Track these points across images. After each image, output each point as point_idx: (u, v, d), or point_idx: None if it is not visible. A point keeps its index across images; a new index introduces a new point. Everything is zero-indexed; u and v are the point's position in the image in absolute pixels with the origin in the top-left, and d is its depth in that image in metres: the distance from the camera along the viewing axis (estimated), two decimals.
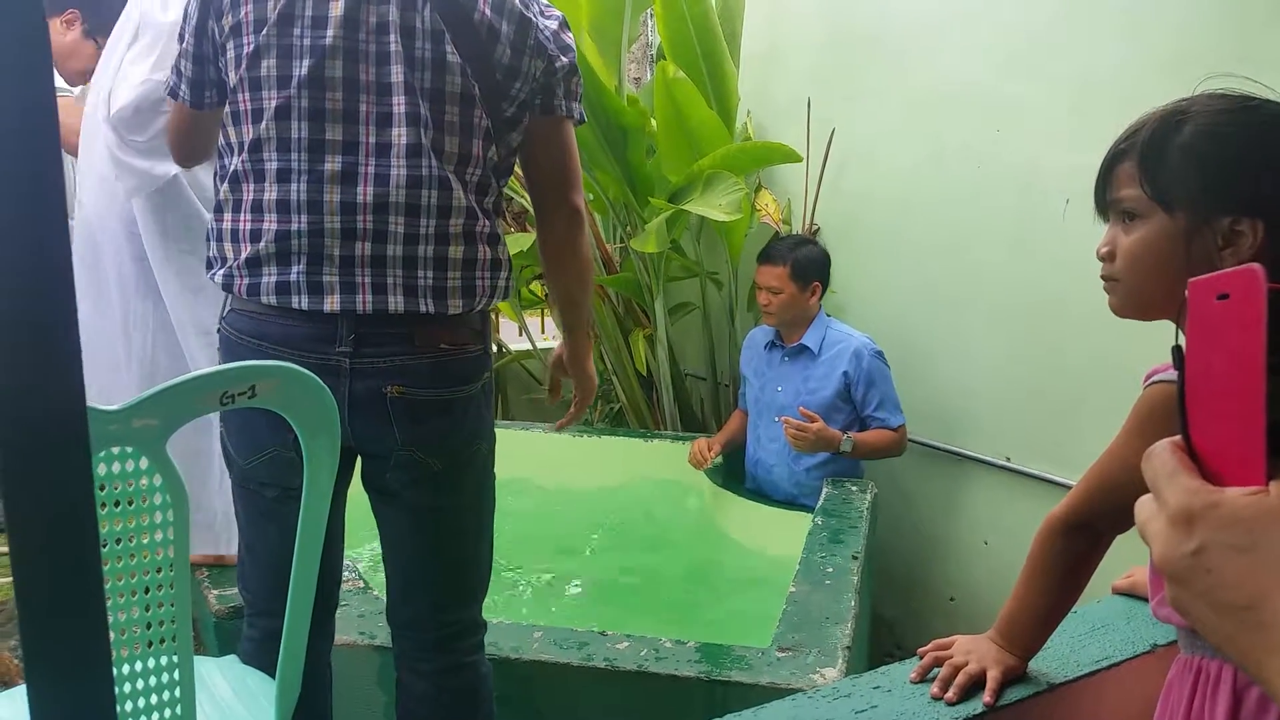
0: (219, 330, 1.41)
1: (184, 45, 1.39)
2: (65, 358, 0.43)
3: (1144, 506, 0.45)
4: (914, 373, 2.75)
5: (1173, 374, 0.86)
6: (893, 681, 1.13)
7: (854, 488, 2.55)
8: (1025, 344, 2.49)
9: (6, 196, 0.42)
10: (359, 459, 1.42)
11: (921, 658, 1.15)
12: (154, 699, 1.02)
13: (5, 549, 1.12)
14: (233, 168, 1.35)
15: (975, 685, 1.09)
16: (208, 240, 1.40)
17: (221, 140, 1.38)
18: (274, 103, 1.30)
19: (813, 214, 3.07)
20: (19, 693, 1.18)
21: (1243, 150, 0.83)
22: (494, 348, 3.94)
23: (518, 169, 1.54)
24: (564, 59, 1.40)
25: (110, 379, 1.95)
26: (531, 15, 1.36)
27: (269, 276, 1.32)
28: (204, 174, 1.86)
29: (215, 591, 1.93)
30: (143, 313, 1.96)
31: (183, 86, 1.42)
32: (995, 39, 2.49)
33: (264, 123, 1.30)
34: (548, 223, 1.52)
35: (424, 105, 1.30)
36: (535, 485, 2.93)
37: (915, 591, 2.89)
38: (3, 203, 0.42)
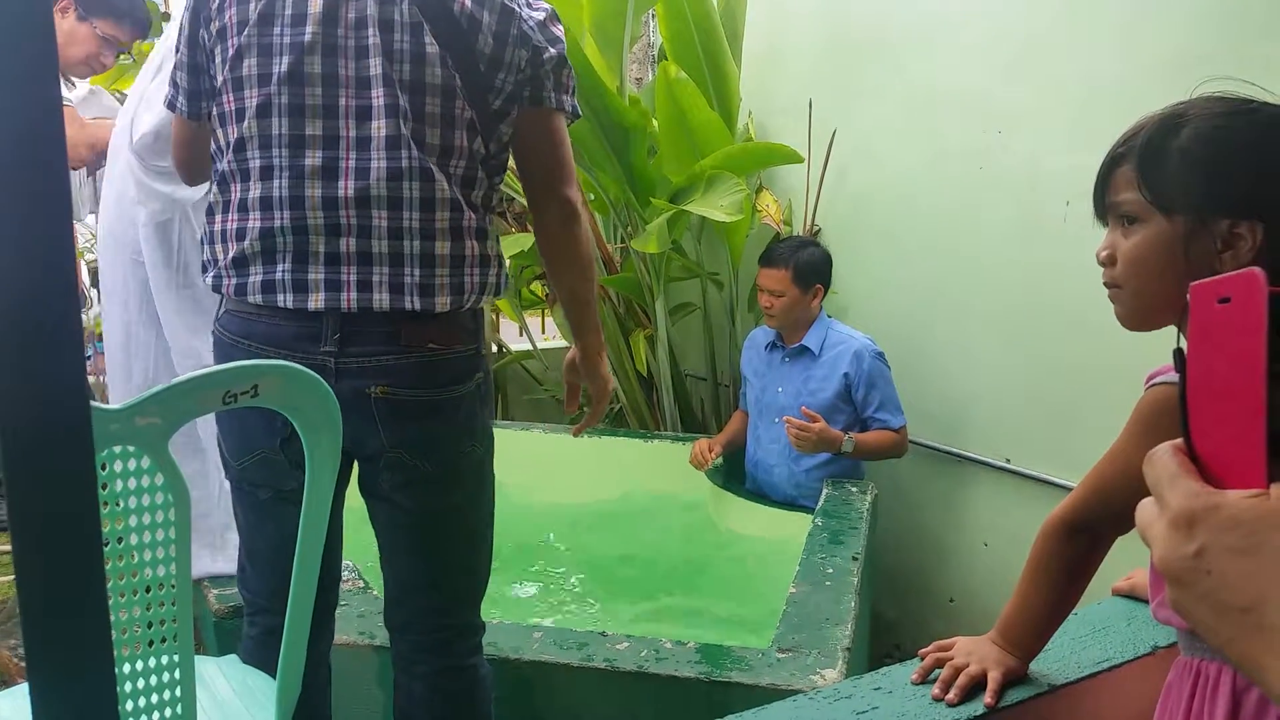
0: (213, 333, 1.41)
1: (178, 57, 1.40)
2: (68, 357, 0.44)
3: (1145, 509, 0.45)
4: (914, 373, 2.75)
5: (1173, 376, 0.86)
6: (893, 683, 1.13)
7: (854, 489, 2.55)
8: (1026, 345, 2.49)
9: (10, 196, 0.42)
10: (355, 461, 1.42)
11: (922, 659, 1.16)
12: (155, 698, 1.02)
13: (8, 547, 1.12)
14: (221, 170, 1.36)
15: (976, 687, 1.09)
16: (202, 245, 1.41)
17: (213, 145, 1.39)
18: (255, 101, 1.30)
19: (814, 215, 3.07)
20: (20, 691, 1.19)
21: (1240, 153, 0.83)
22: (495, 348, 3.97)
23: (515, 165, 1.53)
24: (551, 50, 1.38)
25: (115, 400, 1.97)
26: (515, 6, 1.35)
27: (255, 275, 1.32)
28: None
29: (215, 591, 1.94)
30: (145, 341, 1.99)
31: (180, 99, 1.42)
32: (997, 41, 2.49)
33: (246, 121, 1.31)
34: (541, 217, 1.49)
35: (403, 97, 1.29)
36: (535, 486, 2.93)
37: (915, 593, 2.89)
38: (6, 202, 0.42)
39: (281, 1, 1.29)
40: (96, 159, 2.52)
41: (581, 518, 2.95)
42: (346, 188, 1.29)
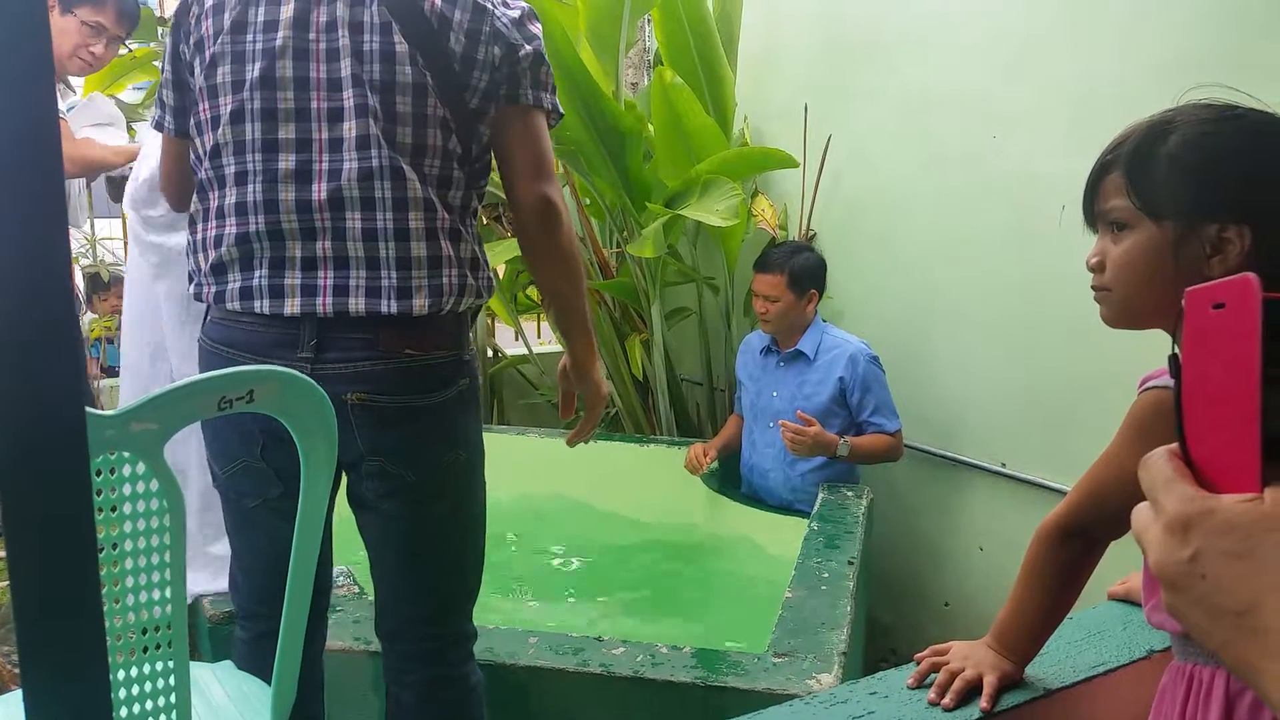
0: (198, 340, 1.41)
1: (164, 75, 1.40)
2: (64, 362, 0.43)
3: (1140, 513, 0.46)
4: (909, 378, 2.75)
5: (1167, 379, 0.87)
6: (889, 687, 1.13)
7: (850, 493, 2.55)
8: (1021, 349, 2.49)
9: (6, 199, 0.42)
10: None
11: (918, 664, 1.16)
12: (150, 704, 1.02)
13: (2, 553, 1.11)
14: (200, 178, 1.36)
15: (972, 691, 1.09)
16: (186, 256, 1.40)
17: (192, 156, 1.38)
18: (229, 107, 1.30)
19: (809, 220, 3.08)
20: (14, 698, 1.18)
21: (1228, 158, 0.84)
22: (490, 352, 3.96)
23: None
24: (527, 47, 1.36)
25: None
26: (488, 4, 1.33)
27: (234, 282, 1.32)
28: None
29: (210, 597, 1.93)
30: (163, 375, 1.99)
31: (166, 116, 1.42)
32: (993, 45, 2.50)
33: (220, 128, 1.31)
34: (520, 215, 1.44)
35: (373, 97, 1.29)
36: (530, 490, 2.93)
37: (910, 597, 2.89)
38: (2, 203, 0.42)
39: (254, 9, 1.29)
40: (82, 173, 2.54)
41: (575, 523, 2.95)
42: (319, 190, 1.29)
